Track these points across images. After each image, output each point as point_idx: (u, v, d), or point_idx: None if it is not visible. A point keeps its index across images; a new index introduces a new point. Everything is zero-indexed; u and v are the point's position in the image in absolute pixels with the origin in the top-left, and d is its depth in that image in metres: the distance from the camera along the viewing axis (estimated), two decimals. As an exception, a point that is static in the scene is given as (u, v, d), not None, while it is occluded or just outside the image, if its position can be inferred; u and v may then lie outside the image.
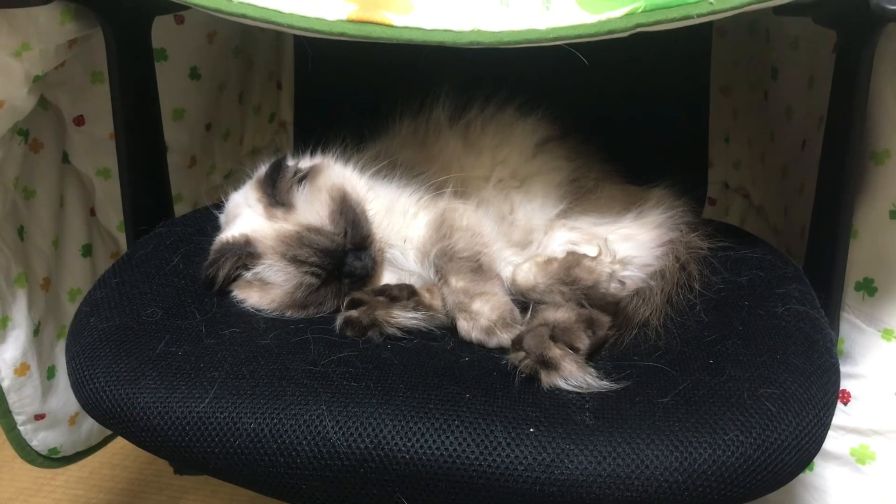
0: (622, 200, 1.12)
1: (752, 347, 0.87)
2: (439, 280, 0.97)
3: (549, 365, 0.82)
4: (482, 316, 0.90)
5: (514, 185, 1.13)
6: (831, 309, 1.02)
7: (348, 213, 0.99)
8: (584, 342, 0.85)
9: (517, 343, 0.85)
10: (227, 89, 1.50)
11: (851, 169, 0.98)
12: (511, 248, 1.05)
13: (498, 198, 1.11)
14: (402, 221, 1.04)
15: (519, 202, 1.11)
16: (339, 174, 1.04)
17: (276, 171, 1.00)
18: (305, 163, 1.06)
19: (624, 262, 0.94)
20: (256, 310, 0.96)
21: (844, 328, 1.09)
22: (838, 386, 0.88)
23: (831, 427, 1.09)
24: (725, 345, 0.88)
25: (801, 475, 1.13)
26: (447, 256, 0.97)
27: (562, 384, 0.81)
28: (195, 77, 1.38)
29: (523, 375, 0.82)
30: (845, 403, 1.08)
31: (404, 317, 0.91)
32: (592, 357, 0.88)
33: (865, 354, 1.06)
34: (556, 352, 0.82)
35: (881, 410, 1.05)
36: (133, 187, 1.12)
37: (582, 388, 0.81)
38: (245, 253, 0.96)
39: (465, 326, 0.91)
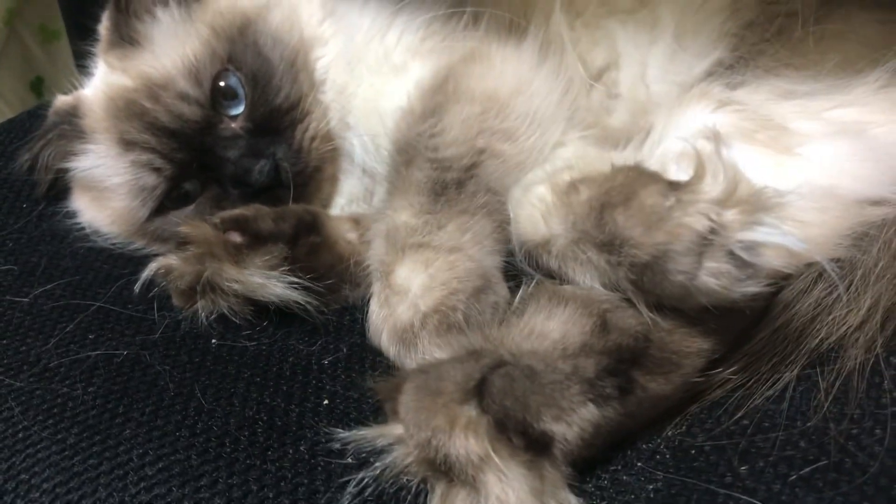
0: (872, 45, 0.49)
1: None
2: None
3: (449, 473, 0.31)
4: (404, 299, 0.40)
5: (623, 8, 0.55)
6: None
7: (245, 60, 0.51)
8: (575, 417, 0.32)
9: (391, 403, 0.34)
10: None
11: None
12: (594, 143, 0.49)
13: (585, 36, 0.55)
14: (376, 79, 0.53)
15: (625, 45, 0.54)
16: None
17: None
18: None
19: (762, 205, 0.35)
20: (95, 231, 0.55)
21: None
22: None
23: None
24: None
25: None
26: (412, 152, 0.47)
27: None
28: None
29: (401, 485, 0.32)
30: None
31: (243, 280, 0.43)
32: (628, 445, 0.35)
33: None
34: (465, 446, 0.30)
35: None
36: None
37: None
38: (69, 131, 0.54)
39: (374, 316, 0.42)
